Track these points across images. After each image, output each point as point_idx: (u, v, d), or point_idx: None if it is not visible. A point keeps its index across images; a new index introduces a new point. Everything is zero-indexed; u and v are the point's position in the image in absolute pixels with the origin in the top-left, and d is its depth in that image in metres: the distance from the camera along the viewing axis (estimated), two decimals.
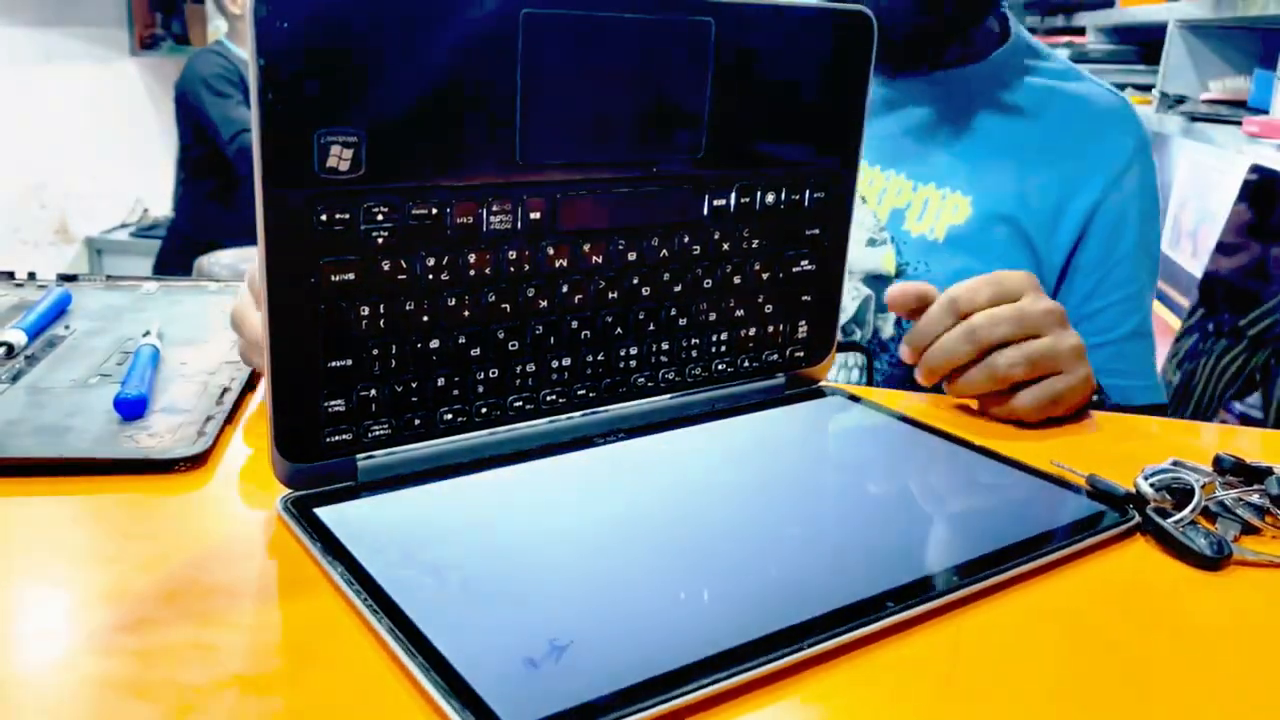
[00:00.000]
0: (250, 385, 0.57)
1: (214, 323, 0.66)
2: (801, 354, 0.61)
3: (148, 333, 0.61)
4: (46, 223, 3.10)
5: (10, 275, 0.73)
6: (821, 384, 0.63)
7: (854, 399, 0.61)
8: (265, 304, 0.42)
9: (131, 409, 0.51)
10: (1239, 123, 1.55)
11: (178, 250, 2.59)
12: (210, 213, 2.59)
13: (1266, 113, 1.58)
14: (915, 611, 0.39)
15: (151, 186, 3.34)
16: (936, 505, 0.50)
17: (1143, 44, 2.28)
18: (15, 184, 2.97)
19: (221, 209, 2.58)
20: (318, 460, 0.45)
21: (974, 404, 0.61)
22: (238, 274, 2.26)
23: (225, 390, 0.55)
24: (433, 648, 0.34)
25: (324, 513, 0.43)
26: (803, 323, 0.60)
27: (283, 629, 0.36)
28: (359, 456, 0.46)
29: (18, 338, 0.59)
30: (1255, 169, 1.60)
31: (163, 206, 3.32)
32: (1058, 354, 0.59)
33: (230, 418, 0.53)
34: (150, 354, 0.58)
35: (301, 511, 0.43)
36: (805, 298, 0.60)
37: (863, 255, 0.81)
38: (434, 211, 0.45)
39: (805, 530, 0.45)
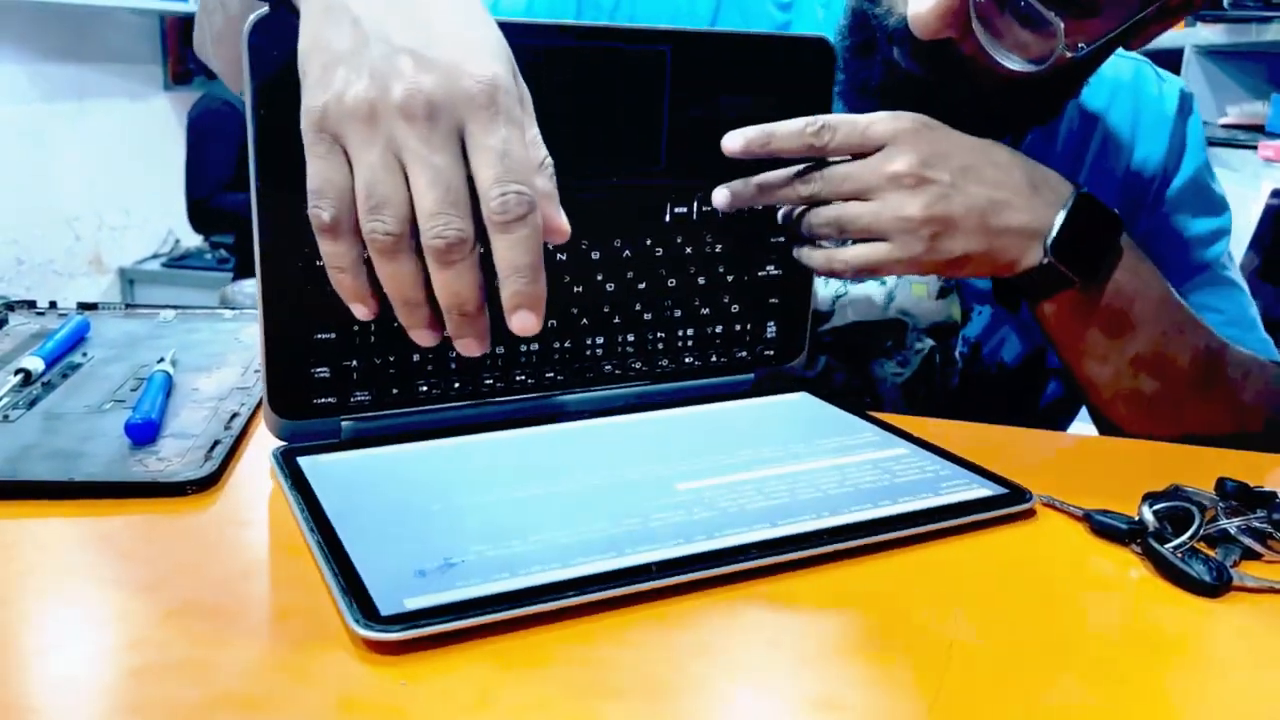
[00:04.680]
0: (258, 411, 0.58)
1: (227, 350, 0.68)
2: (771, 353, 0.65)
3: (162, 359, 0.62)
4: (80, 255, 3.17)
5: (31, 304, 0.75)
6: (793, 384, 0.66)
7: (818, 398, 0.64)
8: (260, 281, 0.50)
9: (142, 433, 0.52)
10: (1256, 147, 1.54)
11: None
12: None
13: None
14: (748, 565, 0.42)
15: (183, 218, 3.39)
16: (829, 473, 0.52)
17: None
18: (50, 217, 3.03)
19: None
20: (306, 419, 0.53)
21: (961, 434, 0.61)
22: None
23: (234, 415, 0.56)
24: (348, 560, 0.41)
25: (304, 460, 0.51)
26: (771, 324, 0.65)
27: (279, 649, 0.36)
28: (343, 418, 0.54)
29: (35, 364, 0.60)
30: (1276, 193, 1.59)
31: (193, 238, 3.37)
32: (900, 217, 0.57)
33: (238, 442, 0.54)
34: (162, 380, 0.59)
35: (287, 460, 0.51)
36: (773, 300, 0.64)
37: (932, 308, 0.75)
38: None
39: (693, 486, 0.50)
